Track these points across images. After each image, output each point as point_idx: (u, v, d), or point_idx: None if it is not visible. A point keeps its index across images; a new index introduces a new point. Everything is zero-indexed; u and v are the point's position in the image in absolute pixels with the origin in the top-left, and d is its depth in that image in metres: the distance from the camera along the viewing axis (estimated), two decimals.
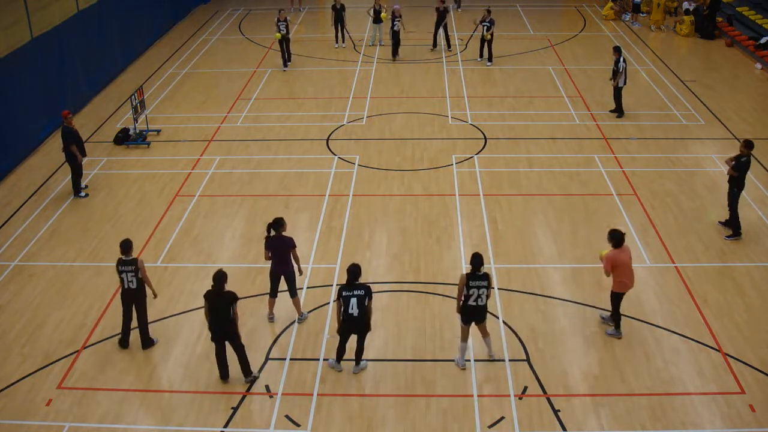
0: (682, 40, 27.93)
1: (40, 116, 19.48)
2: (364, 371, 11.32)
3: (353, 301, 10.75)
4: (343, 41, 27.17)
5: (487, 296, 10.84)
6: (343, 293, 10.81)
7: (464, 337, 11.20)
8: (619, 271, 11.54)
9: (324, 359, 11.55)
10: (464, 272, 10.87)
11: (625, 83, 20.16)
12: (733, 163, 14.51)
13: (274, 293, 12.29)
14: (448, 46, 26.62)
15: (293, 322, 12.37)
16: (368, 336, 11.30)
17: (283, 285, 12.18)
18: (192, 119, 20.90)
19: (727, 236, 14.75)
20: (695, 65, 25.01)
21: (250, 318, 12.51)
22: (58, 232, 15.35)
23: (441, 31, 26.19)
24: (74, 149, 16.17)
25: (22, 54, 18.69)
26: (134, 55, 26.21)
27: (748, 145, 14.41)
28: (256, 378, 11.17)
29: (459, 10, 32.68)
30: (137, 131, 19.47)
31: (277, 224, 11.92)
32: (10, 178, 17.77)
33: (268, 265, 12.19)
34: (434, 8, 26.44)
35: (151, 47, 27.59)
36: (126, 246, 11.44)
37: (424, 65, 25.12)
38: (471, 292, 10.76)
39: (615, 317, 11.95)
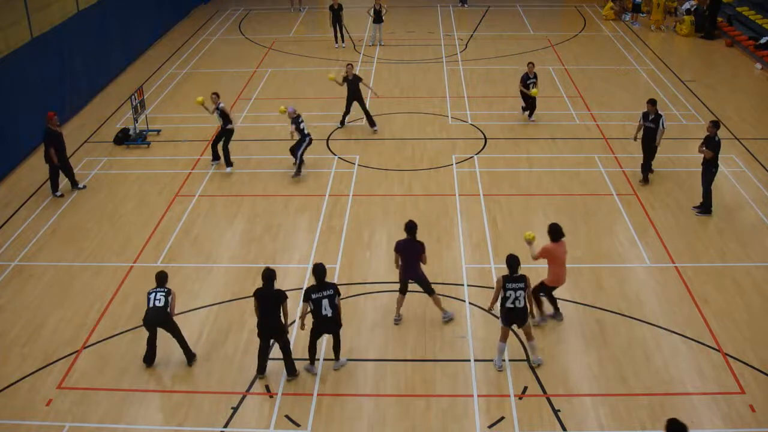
0: (682, 40, 27.94)
1: (40, 116, 19.39)
2: (343, 367, 11.36)
3: (325, 302, 10.74)
4: (343, 41, 27.18)
5: (526, 298, 10.79)
6: (313, 296, 10.75)
7: (503, 338, 11.11)
8: (556, 264, 11.63)
9: (304, 361, 11.47)
10: (501, 275, 10.86)
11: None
12: (704, 147, 15.10)
13: (403, 290, 12.17)
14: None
15: (293, 322, 12.36)
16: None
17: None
18: (192, 119, 20.89)
19: (695, 207, 15.54)
20: (695, 65, 25.01)
21: (250, 317, 12.50)
22: (58, 232, 15.35)
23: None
24: (51, 152, 16.17)
25: (22, 54, 18.69)
26: (134, 55, 26.21)
27: (716, 125, 15.09)
28: (296, 375, 11.20)
29: (466, 6, 32.70)
30: (137, 131, 19.47)
31: (412, 228, 11.76)
32: (10, 178, 17.77)
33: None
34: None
35: (151, 47, 27.59)
36: (162, 278, 11.34)
37: (424, 65, 25.11)
38: (508, 294, 10.71)
39: (539, 305, 12.11)
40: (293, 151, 17.23)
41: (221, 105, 17.47)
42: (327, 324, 10.90)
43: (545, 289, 12.00)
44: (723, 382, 11.02)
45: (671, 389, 10.89)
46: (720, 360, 11.47)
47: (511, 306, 10.77)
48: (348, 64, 19.48)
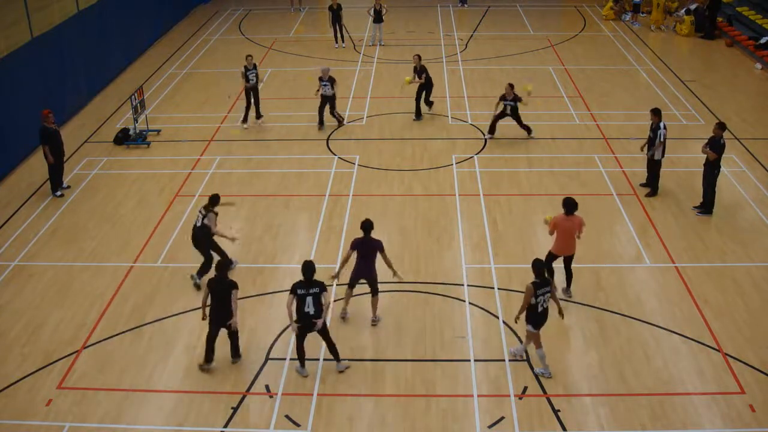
0: (682, 40, 27.94)
1: (40, 116, 19.48)
2: (348, 369, 11.33)
3: (309, 300, 10.74)
4: (343, 41, 27.18)
5: (551, 297, 10.95)
6: (298, 291, 10.76)
7: (539, 344, 11.08)
8: (559, 234, 12.36)
9: (292, 359, 11.37)
10: (530, 282, 10.85)
11: (663, 155, 15.98)
12: (707, 148, 15.12)
13: (353, 285, 12.22)
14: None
15: (291, 320, 12.34)
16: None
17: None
18: (192, 119, 20.89)
19: (695, 207, 15.60)
20: (695, 65, 25.01)
21: (249, 317, 12.50)
22: (58, 232, 15.35)
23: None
24: (45, 150, 16.15)
25: (22, 54, 18.69)
26: (134, 55, 26.20)
27: (722, 127, 15.13)
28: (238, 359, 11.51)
29: (466, 6, 32.71)
30: (137, 131, 19.47)
31: (369, 226, 11.83)
32: (10, 178, 17.77)
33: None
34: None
35: (151, 47, 27.59)
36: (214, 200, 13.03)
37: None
38: (539, 300, 10.77)
39: (550, 274, 12.18)
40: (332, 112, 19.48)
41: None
42: (309, 322, 10.90)
43: (548, 255, 12.48)
44: (723, 382, 11.02)
45: (671, 389, 10.89)
46: (720, 360, 11.47)
47: (542, 309, 10.84)
48: (415, 55, 20.09)
